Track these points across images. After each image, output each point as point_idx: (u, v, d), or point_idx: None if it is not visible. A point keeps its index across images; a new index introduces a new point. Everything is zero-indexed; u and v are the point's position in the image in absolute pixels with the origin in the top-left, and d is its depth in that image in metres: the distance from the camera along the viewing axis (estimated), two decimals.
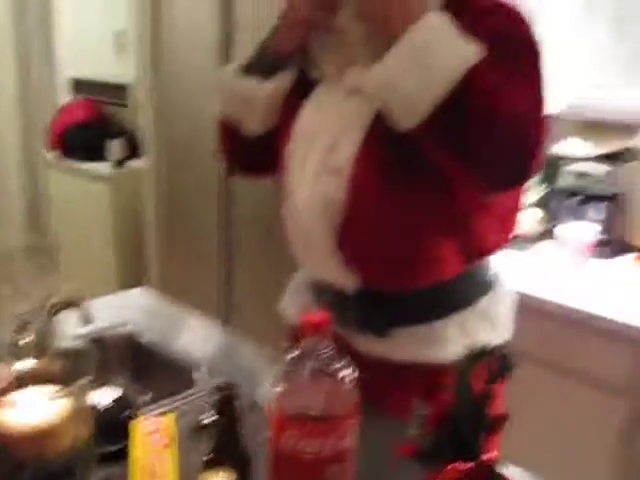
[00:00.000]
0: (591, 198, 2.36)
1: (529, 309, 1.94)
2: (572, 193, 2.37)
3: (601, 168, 2.29)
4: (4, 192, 5.02)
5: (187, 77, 3.10)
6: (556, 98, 2.10)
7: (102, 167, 3.72)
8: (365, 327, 1.32)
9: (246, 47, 2.75)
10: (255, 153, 1.45)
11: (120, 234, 3.71)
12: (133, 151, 3.73)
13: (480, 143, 1.07)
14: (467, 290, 1.33)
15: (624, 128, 2.32)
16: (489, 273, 1.37)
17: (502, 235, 1.34)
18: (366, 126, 1.21)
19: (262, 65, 1.35)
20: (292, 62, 1.34)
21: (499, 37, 1.14)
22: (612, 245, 2.37)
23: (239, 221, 3.00)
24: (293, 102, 1.35)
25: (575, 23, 2.17)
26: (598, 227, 2.31)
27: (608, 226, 2.36)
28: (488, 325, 1.32)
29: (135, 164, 3.67)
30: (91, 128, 3.86)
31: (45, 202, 4.55)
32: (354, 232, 1.24)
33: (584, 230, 2.24)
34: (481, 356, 0.88)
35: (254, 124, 1.39)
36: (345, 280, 1.29)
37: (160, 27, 3.19)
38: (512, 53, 1.15)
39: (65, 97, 4.20)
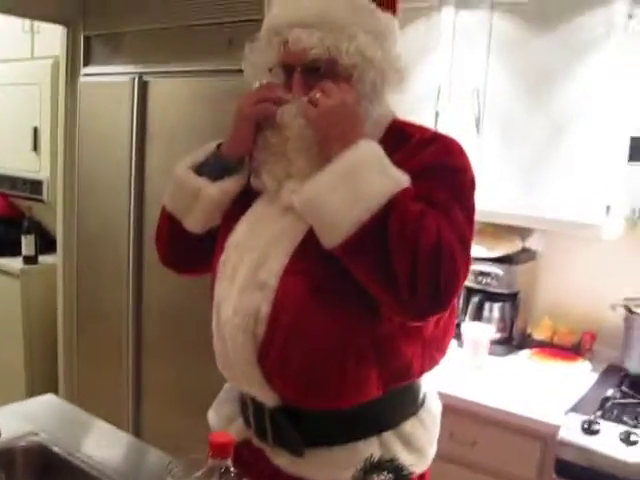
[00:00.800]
0: (491, 297, 2.49)
1: None
2: (473, 292, 2.50)
3: (499, 268, 2.43)
4: None
5: (100, 175, 3.13)
6: None
7: (13, 262, 3.65)
8: (281, 445, 1.31)
9: (158, 150, 2.87)
10: (192, 250, 1.46)
11: (30, 329, 3.62)
12: (48, 247, 3.69)
13: (401, 270, 1.09)
14: (389, 412, 1.32)
15: (518, 230, 2.49)
16: (416, 396, 1.36)
17: (429, 359, 1.34)
18: (297, 243, 1.24)
19: (214, 167, 1.37)
20: (242, 169, 1.37)
21: (434, 166, 1.21)
22: (511, 342, 2.50)
23: (151, 318, 2.99)
24: (235, 208, 1.37)
25: (469, 142, 2.35)
26: (495, 325, 2.45)
27: (507, 323, 2.50)
28: (411, 450, 1.31)
29: (49, 260, 3.63)
30: (4, 222, 3.81)
31: None
32: (275, 347, 1.24)
33: (483, 330, 2.36)
34: (376, 468, 0.93)
35: (195, 223, 1.41)
36: (264, 395, 1.29)
37: (75, 126, 3.23)
38: (446, 182, 1.21)
39: None
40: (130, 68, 2.97)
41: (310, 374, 1.24)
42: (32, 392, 3.23)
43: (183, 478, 1.03)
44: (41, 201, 3.66)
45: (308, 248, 1.22)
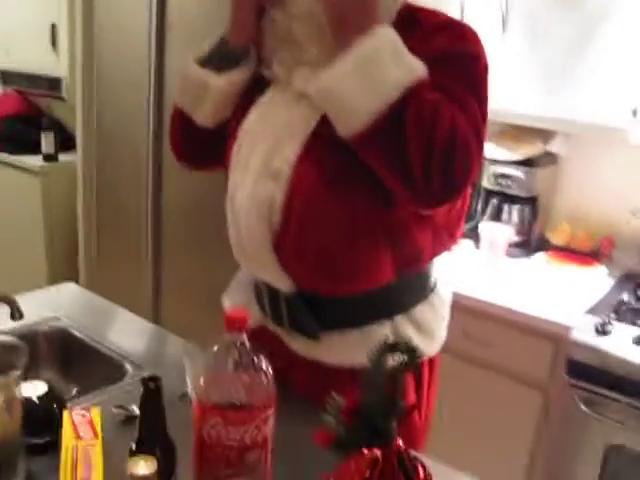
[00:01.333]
0: (510, 199, 2.48)
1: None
2: (493, 194, 2.48)
3: (520, 171, 2.41)
4: None
5: (119, 71, 3.09)
6: None
7: (34, 160, 3.67)
8: (297, 329, 1.34)
9: (178, 43, 2.81)
10: (206, 146, 1.45)
11: (51, 228, 3.67)
12: (68, 145, 3.69)
13: (416, 159, 1.08)
14: (401, 297, 1.33)
15: (541, 133, 2.45)
16: (427, 281, 1.38)
17: (441, 245, 1.35)
18: (309, 131, 1.22)
19: (219, 58, 1.34)
20: (248, 57, 1.34)
21: (448, 54, 1.17)
22: (529, 244, 2.50)
23: (170, 216, 3.02)
24: (248, 100, 1.34)
25: (493, 38, 2.28)
26: (513, 228, 2.45)
27: (525, 227, 2.49)
28: (421, 333, 1.34)
29: (68, 158, 3.64)
30: (22, 120, 3.81)
31: None
32: (290, 235, 1.25)
33: (501, 230, 2.36)
34: (391, 349, 0.95)
35: (205, 116, 1.39)
36: (280, 282, 1.30)
37: (92, 22, 3.17)
38: (460, 70, 1.16)
39: None
40: None
41: (324, 260, 1.26)
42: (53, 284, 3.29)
43: (200, 355, 1.05)
44: (60, 98, 3.64)
45: (321, 136, 1.21)
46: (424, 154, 1.08)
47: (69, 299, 1.87)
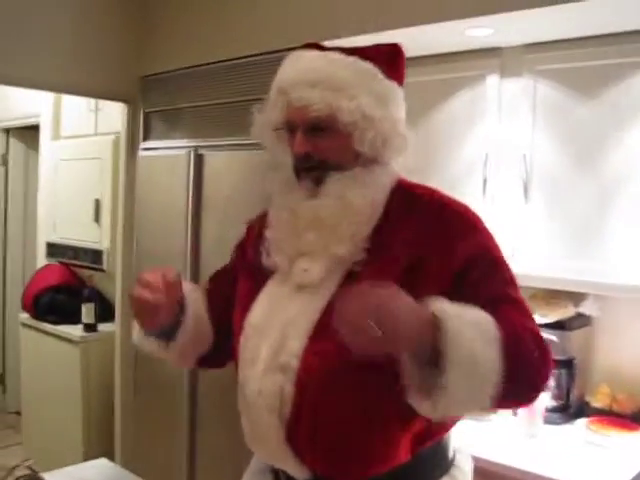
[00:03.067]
0: None
1: (486, 473, 1.97)
2: None
3: (553, 334, 2.39)
4: None
5: (157, 244, 3.23)
6: None
7: (74, 330, 3.76)
8: None
9: (213, 219, 2.95)
10: (211, 359, 1.55)
11: (89, 396, 3.70)
12: (107, 314, 3.79)
13: (524, 380, 1.16)
14: (421, 474, 1.31)
15: (571, 295, 2.45)
16: (445, 453, 1.35)
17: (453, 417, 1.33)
18: (314, 322, 1.26)
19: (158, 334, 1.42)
20: (182, 321, 1.40)
21: (472, 261, 1.24)
22: (568, 410, 2.43)
23: (206, 390, 3.02)
24: (250, 288, 1.39)
25: (516, 206, 2.36)
26: (550, 393, 2.40)
27: (563, 391, 2.44)
28: None
29: (107, 327, 3.72)
30: (65, 291, 3.95)
31: (15, 363, 4.55)
32: (303, 426, 1.25)
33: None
34: None
35: (178, 363, 1.56)
36: (296, 470, 1.30)
37: (133, 198, 3.36)
38: (488, 271, 1.25)
39: (42, 260, 4.32)
40: (186, 142, 3.09)
41: (339, 448, 1.25)
42: (88, 456, 3.26)
43: None
44: (101, 270, 3.79)
45: (325, 327, 1.21)
46: (529, 375, 1.16)
47: (100, 476, 1.86)
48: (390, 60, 1.39)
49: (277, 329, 1.28)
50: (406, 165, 1.40)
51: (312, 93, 1.27)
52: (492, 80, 2.41)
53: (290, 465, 1.30)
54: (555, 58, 2.27)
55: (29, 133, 4.70)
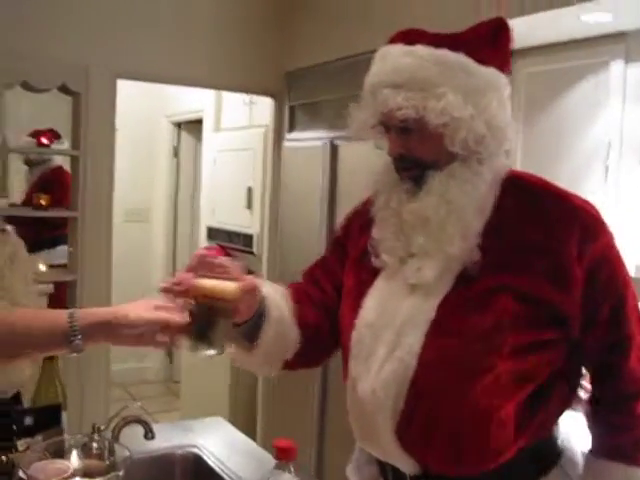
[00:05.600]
0: None
1: None
2: None
3: None
4: None
5: (298, 230, 3.44)
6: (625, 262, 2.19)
7: None
8: None
9: (346, 208, 3.10)
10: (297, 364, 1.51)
11: (237, 371, 4.01)
12: None
13: None
14: (532, 466, 1.32)
15: None
16: (555, 444, 1.36)
17: (568, 401, 1.37)
18: (430, 321, 1.26)
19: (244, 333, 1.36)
20: (264, 319, 1.35)
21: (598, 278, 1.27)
22: None
23: (336, 368, 3.17)
24: (357, 286, 1.41)
25: (637, 196, 2.28)
26: None
27: None
28: None
29: None
30: None
31: None
32: (416, 422, 1.26)
33: None
34: None
35: (271, 370, 1.47)
36: (405, 465, 1.32)
37: (279, 187, 3.60)
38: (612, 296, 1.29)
39: (204, 243, 4.71)
40: (323, 133, 3.27)
41: (452, 446, 1.26)
42: (234, 421, 3.54)
43: None
44: (252, 253, 4.08)
45: (442, 325, 1.25)
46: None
47: (211, 431, 2.06)
48: (488, 41, 1.32)
49: (393, 327, 1.30)
50: (510, 156, 1.42)
51: (397, 96, 1.25)
52: (616, 66, 2.34)
53: (400, 461, 1.32)
54: None
55: (196, 127, 5.13)
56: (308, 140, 3.39)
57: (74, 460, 1.31)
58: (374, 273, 1.39)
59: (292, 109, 3.57)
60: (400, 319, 1.29)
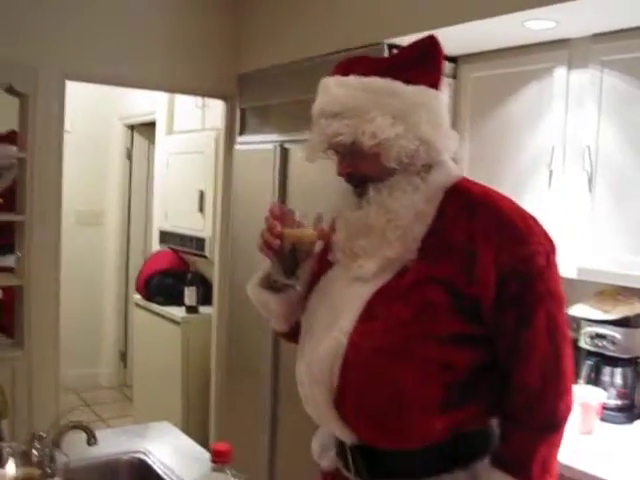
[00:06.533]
0: (612, 361, 2.39)
1: None
2: (590, 355, 2.41)
3: (616, 332, 2.35)
4: (102, 329, 5.57)
5: (249, 234, 3.42)
6: (567, 264, 2.23)
7: (178, 311, 4.05)
8: (361, 477, 1.45)
9: (297, 209, 3.10)
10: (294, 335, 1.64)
11: (187, 375, 3.99)
12: (209, 299, 4.05)
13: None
14: (461, 452, 1.40)
15: (637, 292, 2.39)
16: (489, 437, 1.42)
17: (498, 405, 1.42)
18: (362, 307, 1.39)
19: (274, 280, 1.55)
20: (297, 279, 1.51)
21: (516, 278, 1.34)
22: (632, 410, 2.37)
23: (288, 369, 3.18)
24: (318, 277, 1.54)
25: (581, 199, 2.33)
26: (615, 391, 2.35)
27: (628, 391, 2.38)
28: None
29: (207, 310, 3.98)
30: (173, 275, 4.26)
31: (130, 338, 4.98)
32: (348, 397, 1.38)
33: (592, 393, 2.27)
34: None
35: (279, 325, 1.64)
36: (343, 434, 1.44)
37: (229, 189, 3.58)
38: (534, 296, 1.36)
39: (156, 246, 4.67)
40: (274, 136, 3.27)
41: (378, 420, 1.38)
42: (186, 430, 3.52)
43: None
44: (204, 256, 4.06)
45: (371, 311, 1.39)
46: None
47: (158, 436, 2.04)
48: (418, 61, 1.46)
49: (332, 310, 1.44)
50: (455, 164, 1.51)
51: (334, 124, 1.39)
52: (560, 72, 2.39)
53: (338, 429, 1.43)
54: (621, 48, 2.22)
55: (149, 129, 5.09)
56: (259, 143, 3.38)
57: (10, 468, 1.29)
58: (331, 266, 1.53)
59: (243, 112, 3.56)
60: (339, 303, 1.44)
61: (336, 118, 1.40)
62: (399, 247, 1.39)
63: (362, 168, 1.44)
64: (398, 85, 1.41)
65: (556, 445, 1.38)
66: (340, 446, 1.49)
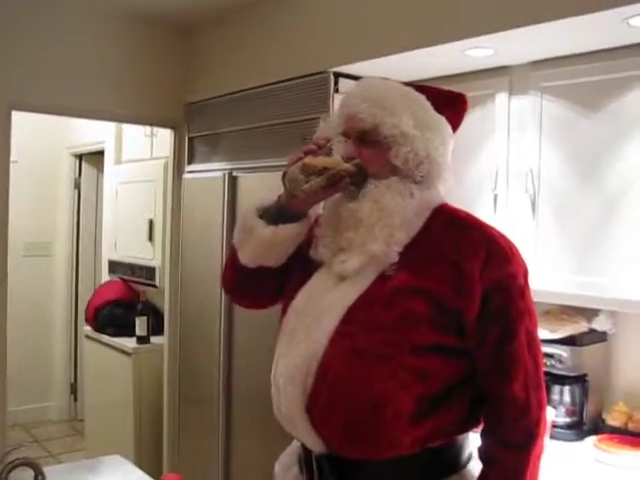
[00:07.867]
0: (561, 379, 2.44)
1: None
2: None
3: (563, 350, 2.39)
4: (52, 362, 5.45)
5: (199, 262, 3.41)
6: None
7: (128, 342, 3.99)
8: None
9: None
10: (246, 282, 1.65)
11: (140, 407, 3.91)
12: (161, 329, 3.99)
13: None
14: (427, 468, 1.41)
15: (584, 311, 2.44)
16: (457, 455, 1.45)
17: (471, 421, 1.46)
18: (344, 311, 1.41)
19: (276, 212, 1.54)
20: (302, 221, 1.55)
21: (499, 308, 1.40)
22: (581, 427, 2.41)
23: (240, 394, 3.16)
24: (300, 280, 1.54)
25: (525, 222, 2.38)
26: (564, 409, 2.39)
27: (576, 408, 2.42)
28: None
29: (159, 340, 3.93)
30: (123, 306, 4.19)
31: (81, 370, 4.86)
32: (321, 399, 1.39)
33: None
34: None
35: (245, 256, 1.59)
36: (312, 442, 1.43)
37: (179, 218, 3.56)
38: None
39: (106, 276, 4.60)
40: (223, 165, 3.27)
41: (349, 426, 1.38)
42: (139, 462, 3.45)
43: None
44: (154, 286, 4.01)
45: (352, 315, 1.41)
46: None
47: (109, 471, 2.00)
48: (447, 102, 1.57)
49: (314, 313, 1.45)
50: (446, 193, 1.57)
51: (361, 105, 1.47)
52: (501, 98, 2.46)
53: (307, 437, 1.43)
54: (559, 74, 2.30)
55: (98, 158, 5.04)
56: (207, 172, 3.38)
57: None
58: (315, 269, 1.53)
59: (191, 141, 3.56)
60: (321, 307, 1.45)
61: (363, 102, 1.47)
62: (383, 245, 1.42)
63: (366, 157, 1.48)
64: (428, 104, 1.52)
65: (540, 457, 1.41)
66: (306, 458, 1.48)
